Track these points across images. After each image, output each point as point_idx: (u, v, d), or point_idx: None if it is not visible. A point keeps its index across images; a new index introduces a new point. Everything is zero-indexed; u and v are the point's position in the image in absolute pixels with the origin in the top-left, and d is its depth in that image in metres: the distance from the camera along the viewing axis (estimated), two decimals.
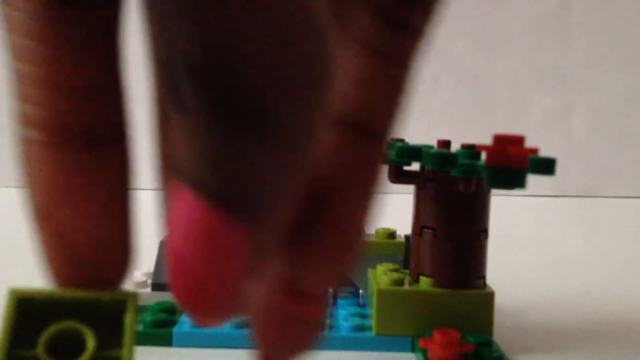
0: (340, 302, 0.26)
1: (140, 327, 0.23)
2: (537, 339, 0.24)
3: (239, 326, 0.23)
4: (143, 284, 0.26)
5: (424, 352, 0.22)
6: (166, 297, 0.24)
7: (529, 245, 0.40)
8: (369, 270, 0.25)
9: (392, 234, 0.26)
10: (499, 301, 0.23)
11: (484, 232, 0.23)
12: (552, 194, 0.62)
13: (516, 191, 0.39)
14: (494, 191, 0.22)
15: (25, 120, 0.12)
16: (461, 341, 0.21)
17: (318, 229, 0.12)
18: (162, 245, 0.26)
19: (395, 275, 0.23)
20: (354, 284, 0.26)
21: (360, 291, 0.26)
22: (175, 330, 0.23)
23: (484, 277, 0.23)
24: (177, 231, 0.10)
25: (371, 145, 0.13)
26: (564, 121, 0.63)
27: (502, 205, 0.39)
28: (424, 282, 0.23)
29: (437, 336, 0.21)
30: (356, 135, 0.13)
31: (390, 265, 0.24)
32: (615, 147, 0.63)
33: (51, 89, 0.12)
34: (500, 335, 0.23)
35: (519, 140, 0.18)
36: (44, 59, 0.12)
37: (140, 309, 0.23)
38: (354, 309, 0.25)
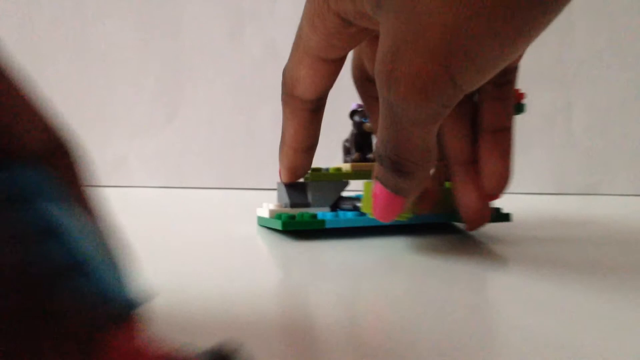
0: None
1: (304, 218, 0.37)
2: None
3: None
4: (283, 207, 0.40)
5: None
6: (301, 210, 0.40)
7: (528, 245, 0.40)
8: None
9: None
10: None
11: None
12: (552, 192, 0.62)
13: (516, 189, 0.40)
14: None
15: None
16: None
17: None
18: (279, 183, 0.41)
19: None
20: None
21: None
22: (326, 218, 0.38)
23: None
24: (378, 200, 0.30)
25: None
26: (564, 120, 0.63)
27: (502, 204, 0.39)
28: (448, 183, 0.38)
29: None
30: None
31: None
32: (615, 145, 0.63)
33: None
34: None
35: (516, 91, 0.36)
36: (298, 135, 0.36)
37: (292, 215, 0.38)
38: None
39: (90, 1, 0.58)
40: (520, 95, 0.38)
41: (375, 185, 0.30)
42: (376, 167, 0.30)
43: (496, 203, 0.38)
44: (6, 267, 0.11)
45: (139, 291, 0.14)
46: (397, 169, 0.28)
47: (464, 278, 0.30)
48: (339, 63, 0.33)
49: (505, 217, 0.39)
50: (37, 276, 0.12)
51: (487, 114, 0.33)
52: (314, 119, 0.35)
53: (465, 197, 0.34)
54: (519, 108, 0.38)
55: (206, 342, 0.20)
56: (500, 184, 0.33)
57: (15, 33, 0.58)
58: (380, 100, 0.26)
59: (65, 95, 0.58)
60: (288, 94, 0.34)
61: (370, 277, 0.30)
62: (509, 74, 0.33)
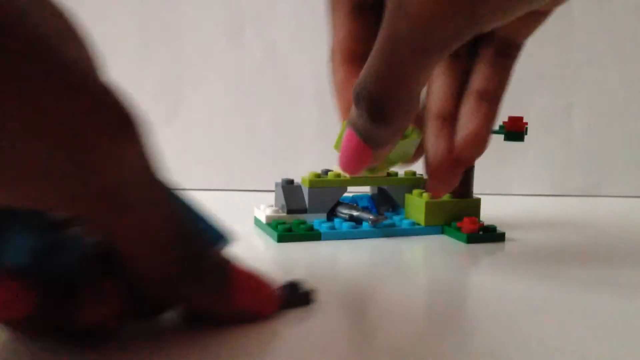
0: (389, 214, 0.43)
1: (299, 231, 0.38)
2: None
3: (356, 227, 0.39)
4: (280, 211, 0.41)
5: (458, 229, 0.39)
6: (298, 217, 0.40)
7: (528, 246, 0.39)
8: (406, 194, 0.42)
9: (414, 174, 0.43)
10: None
11: (472, 168, 0.41)
12: (551, 194, 0.62)
13: (516, 190, 0.40)
14: (495, 191, 0.35)
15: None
16: (478, 221, 0.39)
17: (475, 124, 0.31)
18: (277, 185, 0.41)
19: (426, 193, 0.41)
20: (396, 203, 0.43)
21: (401, 208, 0.43)
22: (322, 230, 0.38)
23: (472, 193, 0.42)
24: (346, 147, 0.28)
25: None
26: (564, 121, 0.63)
27: (502, 205, 0.39)
28: (446, 196, 0.41)
29: (466, 219, 0.39)
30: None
31: (419, 190, 0.42)
32: (615, 147, 0.63)
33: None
34: None
35: (520, 119, 0.39)
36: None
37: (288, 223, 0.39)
38: (401, 216, 0.42)
39: (90, 2, 0.58)
40: (523, 125, 0.38)
41: (347, 132, 0.28)
42: (351, 110, 0.27)
43: (491, 220, 0.39)
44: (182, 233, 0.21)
45: (226, 233, 0.23)
46: (375, 111, 0.26)
47: (463, 279, 0.30)
48: None
49: (500, 237, 0.39)
50: (193, 236, 0.21)
51: (479, 78, 0.32)
52: (360, 13, 0.31)
53: (434, 149, 0.31)
54: (519, 136, 0.38)
55: (206, 342, 0.20)
56: (475, 148, 0.31)
57: None
58: (384, 23, 0.24)
59: None
60: None
61: (369, 277, 0.30)
62: (514, 48, 0.32)
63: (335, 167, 0.43)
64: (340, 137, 0.31)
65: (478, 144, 0.31)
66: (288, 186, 0.41)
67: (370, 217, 0.39)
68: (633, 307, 0.28)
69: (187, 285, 0.21)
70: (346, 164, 0.29)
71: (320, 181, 0.40)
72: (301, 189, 0.41)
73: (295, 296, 0.26)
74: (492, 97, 0.32)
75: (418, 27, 0.23)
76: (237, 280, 0.23)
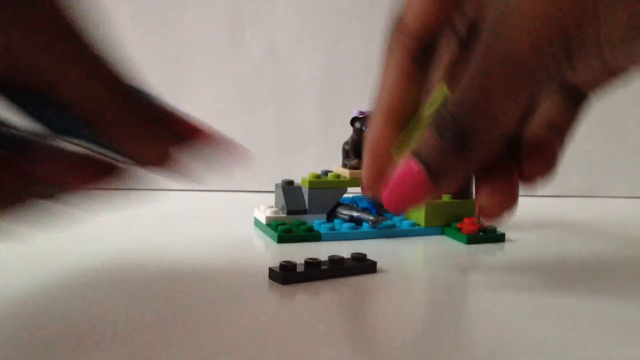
0: (388, 215, 0.42)
1: (299, 232, 0.38)
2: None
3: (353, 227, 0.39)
4: (280, 212, 0.41)
5: (458, 230, 0.40)
6: (298, 218, 0.40)
7: (529, 245, 0.40)
8: None
9: None
10: None
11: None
12: (551, 194, 0.62)
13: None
14: None
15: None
16: (478, 222, 0.39)
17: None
18: (277, 186, 0.42)
19: None
20: None
21: None
22: (322, 231, 0.38)
23: (472, 193, 0.41)
24: (401, 180, 0.26)
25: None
26: None
27: None
28: (445, 197, 0.41)
29: (466, 220, 0.40)
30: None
31: None
32: (615, 148, 0.63)
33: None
34: None
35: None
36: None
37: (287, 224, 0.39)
38: (401, 217, 0.42)
39: (91, 2, 0.58)
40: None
41: (406, 163, 0.26)
42: (424, 137, 0.26)
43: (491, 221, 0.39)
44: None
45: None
46: (460, 138, 0.24)
47: (463, 279, 0.30)
48: None
49: (500, 238, 0.40)
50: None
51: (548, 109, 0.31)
52: (416, 70, 0.28)
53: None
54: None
55: (206, 343, 0.20)
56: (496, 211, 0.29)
57: None
58: (478, 51, 0.23)
59: None
60: (393, 30, 0.29)
61: (369, 278, 0.30)
62: (581, 97, 0.31)
63: (335, 168, 0.43)
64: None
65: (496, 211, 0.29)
66: (288, 187, 0.41)
67: (370, 218, 0.39)
68: (633, 307, 0.28)
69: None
70: (397, 200, 0.27)
71: (320, 182, 0.40)
72: (301, 190, 0.41)
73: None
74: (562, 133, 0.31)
75: (514, 60, 0.22)
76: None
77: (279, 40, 0.60)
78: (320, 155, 0.59)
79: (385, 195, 0.27)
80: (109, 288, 0.28)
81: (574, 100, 0.31)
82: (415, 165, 0.26)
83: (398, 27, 0.28)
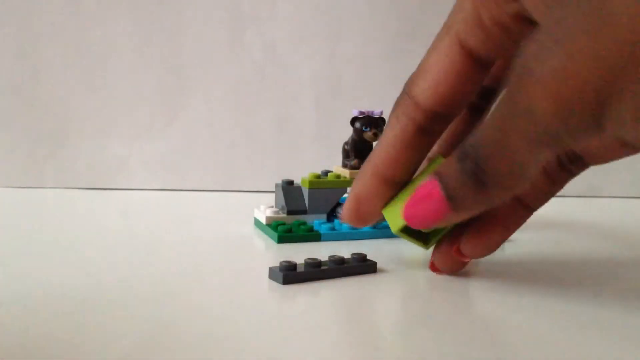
0: None
1: (299, 232, 0.38)
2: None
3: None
4: (280, 212, 0.41)
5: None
6: (298, 218, 0.40)
7: (529, 246, 0.39)
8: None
9: None
10: None
11: None
12: None
13: None
14: None
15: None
16: None
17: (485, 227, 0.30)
18: (277, 186, 0.41)
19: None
20: None
21: None
22: (322, 231, 0.38)
23: None
24: (423, 197, 0.26)
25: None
26: None
27: None
28: None
29: None
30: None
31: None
32: None
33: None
34: None
35: None
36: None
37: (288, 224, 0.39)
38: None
39: (91, 3, 0.58)
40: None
41: (429, 182, 0.26)
42: (446, 162, 0.25)
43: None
44: None
45: None
46: (476, 173, 0.24)
47: (462, 280, 0.29)
48: (480, 68, 0.26)
49: None
50: None
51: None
52: (420, 141, 0.27)
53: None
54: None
55: (206, 343, 0.20)
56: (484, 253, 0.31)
57: (15, 34, 0.58)
58: (506, 94, 0.22)
59: (66, 97, 0.58)
60: (404, 92, 0.27)
61: (369, 278, 0.30)
62: (579, 166, 0.30)
63: (335, 168, 0.43)
64: (392, 214, 0.29)
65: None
66: (288, 187, 0.41)
67: None
68: (634, 307, 0.28)
69: None
70: (416, 215, 0.27)
71: (320, 182, 0.40)
72: (301, 190, 0.41)
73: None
74: (530, 208, 0.31)
75: (537, 109, 0.21)
76: None
77: (279, 40, 0.60)
78: (320, 155, 0.59)
79: (406, 211, 0.27)
80: (108, 287, 0.28)
81: (567, 172, 0.30)
82: (435, 187, 0.25)
83: (409, 93, 0.27)
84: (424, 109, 0.26)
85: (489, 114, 0.23)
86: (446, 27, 0.26)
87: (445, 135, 0.30)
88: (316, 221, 0.40)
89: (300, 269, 0.30)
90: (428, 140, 0.28)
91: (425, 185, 0.26)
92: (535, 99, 0.21)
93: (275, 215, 0.40)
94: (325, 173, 0.42)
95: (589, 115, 0.20)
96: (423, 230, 0.29)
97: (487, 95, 0.29)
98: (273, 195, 0.43)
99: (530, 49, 0.21)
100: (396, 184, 0.28)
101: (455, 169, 0.25)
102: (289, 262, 0.30)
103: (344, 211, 0.30)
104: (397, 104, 0.27)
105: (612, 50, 0.19)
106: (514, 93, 0.22)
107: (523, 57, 0.21)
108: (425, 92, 0.26)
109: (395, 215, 0.28)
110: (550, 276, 0.32)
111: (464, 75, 0.26)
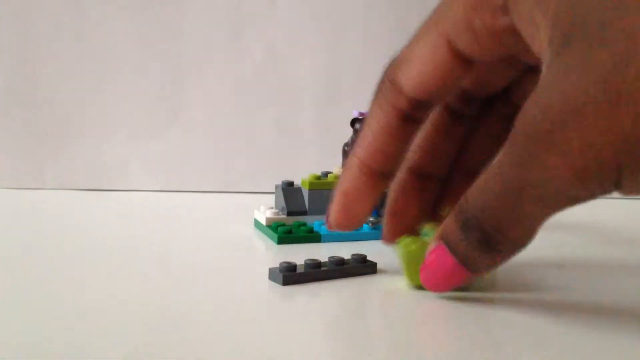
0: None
1: (299, 233, 0.38)
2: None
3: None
4: (280, 213, 0.41)
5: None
6: (298, 219, 0.40)
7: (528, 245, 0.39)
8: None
9: None
10: None
11: None
12: None
13: None
14: None
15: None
16: None
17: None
18: (277, 187, 0.41)
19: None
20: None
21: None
22: (322, 232, 0.38)
23: None
24: (437, 266, 0.26)
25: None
26: None
27: None
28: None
29: None
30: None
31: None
32: None
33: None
34: None
35: None
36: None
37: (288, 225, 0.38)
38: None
39: (91, 3, 0.58)
40: None
41: (437, 248, 0.26)
42: (449, 228, 0.25)
43: None
44: None
45: None
46: (485, 242, 0.24)
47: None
48: (465, 65, 0.26)
49: None
50: None
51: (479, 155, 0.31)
52: (404, 129, 0.27)
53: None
54: None
55: (206, 343, 0.20)
56: None
57: (16, 34, 0.58)
58: (507, 156, 0.22)
59: (66, 98, 0.58)
60: (386, 79, 0.27)
61: (369, 278, 0.30)
62: None
63: (335, 169, 0.43)
64: (409, 264, 0.29)
65: None
66: (288, 188, 0.41)
67: (371, 219, 0.39)
68: (634, 307, 0.27)
69: None
70: (435, 285, 0.27)
71: (320, 183, 0.40)
72: (301, 191, 0.41)
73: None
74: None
75: (550, 179, 0.22)
76: None
77: (279, 40, 0.60)
78: (320, 156, 0.59)
79: (427, 282, 0.27)
80: (108, 288, 0.28)
81: None
82: (444, 251, 0.25)
83: (392, 80, 0.27)
84: (408, 96, 0.26)
85: (488, 173, 0.23)
86: (433, 21, 0.26)
87: (419, 140, 0.30)
88: (316, 222, 0.40)
89: (300, 270, 0.30)
90: (411, 128, 0.27)
91: (434, 250, 0.26)
92: (554, 169, 0.21)
93: (275, 217, 0.40)
94: (325, 174, 0.42)
95: (608, 180, 0.21)
96: None
97: (465, 99, 0.29)
98: (273, 196, 0.43)
99: (541, 117, 0.21)
100: (385, 177, 0.28)
101: (460, 238, 0.24)
102: (289, 263, 0.29)
103: (331, 215, 0.29)
104: (379, 90, 0.27)
105: (627, 123, 0.20)
106: (526, 160, 0.22)
107: (533, 124, 0.22)
108: (410, 80, 0.26)
109: (413, 272, 0.28)
110: (550, 275, 0.32)
111: (449, 69, 0.26)
